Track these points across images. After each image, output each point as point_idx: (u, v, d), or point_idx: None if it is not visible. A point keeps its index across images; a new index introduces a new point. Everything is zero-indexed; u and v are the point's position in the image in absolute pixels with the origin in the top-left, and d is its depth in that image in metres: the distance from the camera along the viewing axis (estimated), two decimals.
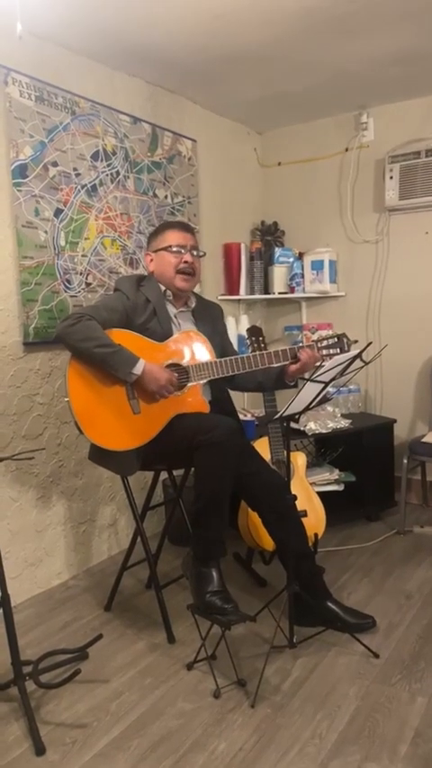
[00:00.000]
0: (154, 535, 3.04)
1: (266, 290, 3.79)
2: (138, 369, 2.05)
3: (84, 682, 2.00)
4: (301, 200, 3.86)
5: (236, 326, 3.60)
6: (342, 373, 2.06)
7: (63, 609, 2.51)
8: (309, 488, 2.71)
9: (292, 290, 3.74)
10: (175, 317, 2.32)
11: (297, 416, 2.10)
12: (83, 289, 2.77)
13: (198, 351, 2.22)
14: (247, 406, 3.70)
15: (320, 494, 2.74)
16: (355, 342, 2.23)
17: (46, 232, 2.58)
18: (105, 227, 2.87)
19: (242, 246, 3.69)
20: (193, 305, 2.39)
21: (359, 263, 3.70)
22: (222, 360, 2.18)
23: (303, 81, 3.12)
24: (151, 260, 2.34)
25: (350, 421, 3.26)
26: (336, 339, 2.22)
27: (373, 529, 3.21)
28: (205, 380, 2.20)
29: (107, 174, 2.87)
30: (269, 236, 3.87)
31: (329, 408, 3.34)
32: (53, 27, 2.46)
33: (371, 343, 2.16)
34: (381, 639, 2.18)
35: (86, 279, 2.79)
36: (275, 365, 2.21)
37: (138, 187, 3.04)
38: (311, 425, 3.11)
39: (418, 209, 3.43)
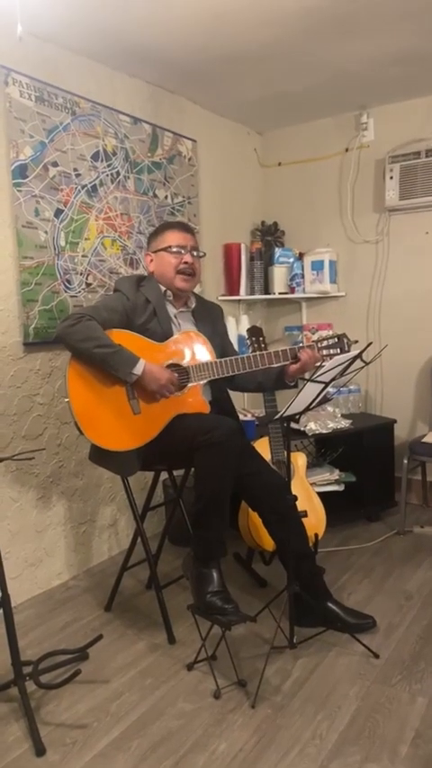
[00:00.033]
0: (154, 535, 3.04)
1: (267, 290, 3.79)
2: (138, 369, 2.05)
3: (84, 682, 2.00)
4: (302, 200, 3.86)
5: (236, 327, 3.60)
6: (342, 373, 2.06)
7: (63, 609, 2.51)
8: (309, 489, 2.71)
9: (292, 290, 3.73)
10: (175, 317, 2.31)
11: (297, 417, 2.10)
12: (83, 289, 2.77)
13: (198, 351, 2.22)
14: (247, 406, 3.69)
15: (321, 494, 2.74)
16: (356, 342, 2.23)
17: (46, 232, 2.58)
18: (105, 228, 2.87)
19: (242, 247, 3.68)
20: (193, 305, 2.39)
21: (359, 264, 3.70)
22: (222, 360, 2.18)
23: (303, 81, 3.12)
24: (151, 260, 2.34)
25: (350, 421, 3.26)
26: (336, 339, 2.22)
27: (374, 529, 3.21)
28: (205, 381, 2.20)
29: (107, 175, 2.87)
30: (269, 236, 3.86)
31: (330, 408, 3.34)
32: (53, 27, 2.46)
33: (371, 343, 2.16)
34: (381, 640, 2.18)
35: (87, 279, 2.79)
36: (276, 365, 2.21)
37: (138, 187, 3.04)
38: (312, 426, 3.11)
39: (419, 209, 3.43)
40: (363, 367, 2.06)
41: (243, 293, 3.72)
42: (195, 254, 2.31)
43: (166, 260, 2.27)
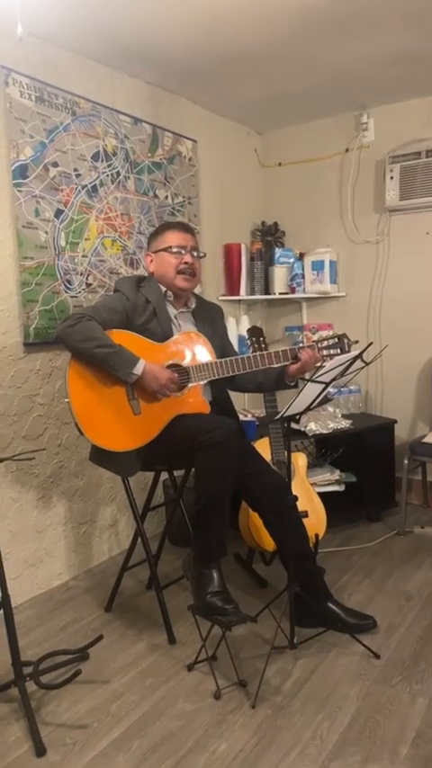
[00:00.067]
0: (154, 536, 3.04)
1: (267, 290, 3.78)
2: (138, 369, 2.05)
3: (84, 682, 2.00)
4: (302, 200, 3.86)
5: (236, 327, 3.60)
6: (343, 374, 2.05)
7: (63, 609, 2.51)
8: (309, 489, 2.70)
9: (292, 290, 3.73)
10: (176, 317, 2.31)
11: (298, 417, 2.10)
12: (83, 289, 2.77)
13: (198, 351, 2.22)
14: (247, 406, 3.69)
15: (321, 494, 2.74)
16: (356, 342, 2.23)
17: (46, 232, 2.58)
18: (106, 228, 2.87)
19: (242, 247, 3.68)
20: (194, 306, 2.39)
21: (360, 264, 3.70)
22: (223, 360, 2.18)
23: (303, 81, 3.12)
24: (151, 261, 2.34)
25: (351, 421, 3.26)
26: (336, 339, 2.22)
27: (374, 529, 3.21)
28: (206, 381, 2.20)
29: (107, 175, 2.87)
30: (269, 236, 3.86)
31: (330, 409, 3.34)
32: (53, 27, 2.46)
33: (371, 343, 2.16)
34: (381, 640, 2.18)
35: (87, 279, 2.79)
36: (276, 365, 2.21)
37: (138, 187, 3.04)
38: (312, 426, 3.11)
39: (419, 209, 3.43)
40: (363, 367, 2.06)
41: (243, 293, 3.72)
42: (195, 254, 2.31)
43: (167, 260, 2.27)
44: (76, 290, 2.73)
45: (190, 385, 2.18)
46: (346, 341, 2.21)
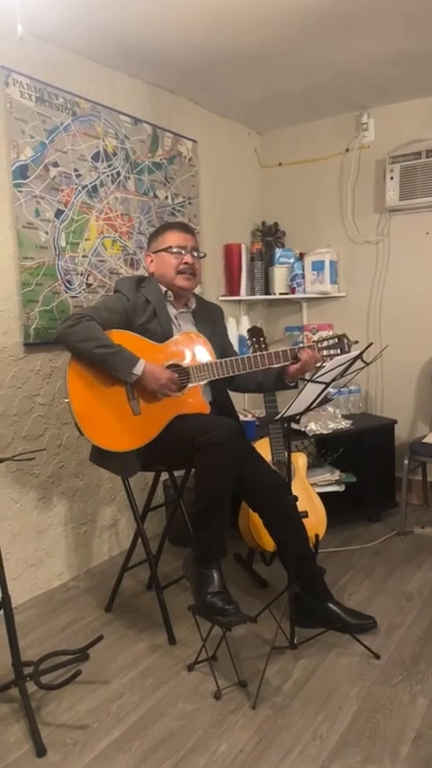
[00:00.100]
0: (155, 536, 3.04)
1: (267, 290, 3.78)
2: (138, 369, 2.05)
3: (84, 683, 2.00)
4: (302, 200, 3.86)
5: (236, 327, 3.60)
6: (343, 374, 2.05)
7: (64, 610, 2.51)
8: (309, 489, 2.70)
9: (292, 290, 3.73)
10: (176, 318, 2.31)
11: (298, 417, 2.10)
12: (83, 289, 2.77)
13: (198, 352, 2.22)
14: (247, 406, 3.69)
15: (321, 494, 2.74)
16: (356, 342, 2.23)
17: (46, 233, 2.58)
18: (106, 228, 2.87)
19: (243, 247, 3.68)
20: (194, 306, 2.39)
21: (360, 264, 3.70)
22: (223, 360, 2.18)
23: (303, 81, 3.12)
24: (151, 261, 2.34)
25: (351, 421, 3.26)
26: (336, 340, 2.22)
27: (374, 530, 3.21)
28: (206, 381, 2.20)
29: (108, 175, 2.87)
30: (270, 236, 3.86)
31: (330, 409, 3.34)
32: (53, 28, 2.46)
33: (371, 343, 2.17)
34: (381, 640, 2.18)
35: (87, 279, 2.79)
36: (276, 366, 2.21)
37: (138, 188, 3.04)
38: (312, 426, 3.11)
39: (419, 209, 3.43)
40: (363, 367, 2.06)
41: (243, 294, 3.71)
42: (196, 254, 2.30)
43: (167, 260, 2.27)
44: (76, 290, 2.73)
45: (190, 385, 2.18)
46: (346, 341, 2.21)
